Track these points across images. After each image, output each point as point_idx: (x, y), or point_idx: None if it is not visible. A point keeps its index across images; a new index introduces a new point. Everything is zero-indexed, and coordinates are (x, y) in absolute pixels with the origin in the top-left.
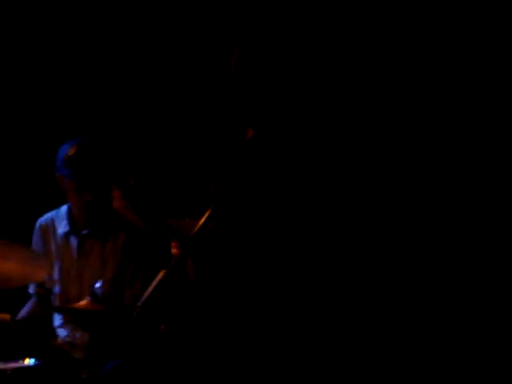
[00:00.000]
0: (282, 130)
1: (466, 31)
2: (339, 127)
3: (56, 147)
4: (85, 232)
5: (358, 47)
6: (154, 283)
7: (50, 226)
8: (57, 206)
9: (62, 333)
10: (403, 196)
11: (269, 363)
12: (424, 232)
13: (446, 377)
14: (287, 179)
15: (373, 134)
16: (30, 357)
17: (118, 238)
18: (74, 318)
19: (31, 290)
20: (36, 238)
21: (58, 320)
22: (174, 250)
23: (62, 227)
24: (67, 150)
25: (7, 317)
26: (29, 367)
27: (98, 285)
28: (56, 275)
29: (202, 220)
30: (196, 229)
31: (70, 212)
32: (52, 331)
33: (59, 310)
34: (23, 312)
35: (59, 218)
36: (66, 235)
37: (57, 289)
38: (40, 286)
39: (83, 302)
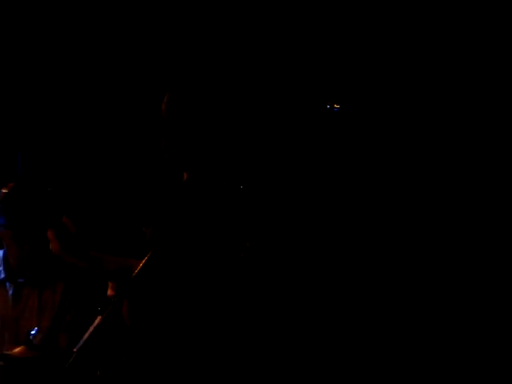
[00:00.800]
0: (215, 169)
1: (466, 31)
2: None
3: None
4: (21, 280)
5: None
6: (91, 329)
7: None
8: None
9: None
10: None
11: None
12: (418, 235)
13: (446, 377)
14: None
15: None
16: None
17: (57, 286)
18: (8, 364)
19: None
20: None
21: None
22: (109, 292)
23: None
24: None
25: None
26: None
27: (33, 332)
28: None
29: (142, 262)
30: (136, 271)
31: (5, 258)
32: None
33: None
34: None
35: None
36: (2, 282)
37: None
38: None
39: (18, 349)
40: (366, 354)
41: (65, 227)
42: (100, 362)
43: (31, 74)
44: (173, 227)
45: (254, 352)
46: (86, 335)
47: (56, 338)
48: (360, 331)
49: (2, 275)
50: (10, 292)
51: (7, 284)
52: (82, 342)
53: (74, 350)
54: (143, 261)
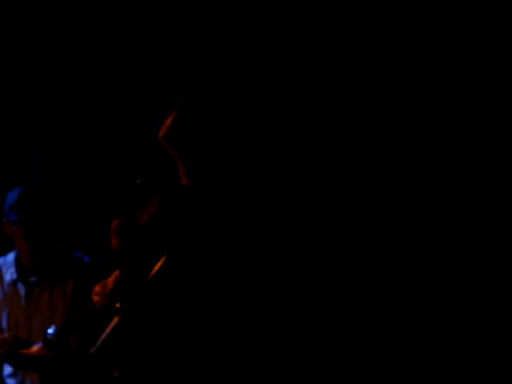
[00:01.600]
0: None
1: (466, 31)
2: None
3: (5, 193)
4: (33, 279)
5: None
6: (108, 329)
7: None
8: (3, 252)
9: (11, 383)
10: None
11: None
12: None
13: (446, 377)
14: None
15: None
16: None
17: (67, 284)
18: (27, 364)
19: None
20: None
21: (7, 369)
22: (95, 298)
23: (9, 275)
24: (15, 196)
25: None
26: None
27: (50, 330)
28: (4, 323)
29: (158, 266)
30: (152, 274)
31: (17, 259)
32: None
33: (11, 358)
34: None
35: (6, 266)
36: (14, 283)
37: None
38: None
39: (35, 348)
40: (366, 353)
41: (131, 222)
42: (118, 362)
43: (48, 78)
44: (185, 231)
45: (259, 352)
46: (104, 335)
47: (67, 338)
48: (360, 331)
49: (15, 276)
50: (23, 292)
51: (19, 284)
52: (99, 343)
53: (92, 350)
54: (158, 264)
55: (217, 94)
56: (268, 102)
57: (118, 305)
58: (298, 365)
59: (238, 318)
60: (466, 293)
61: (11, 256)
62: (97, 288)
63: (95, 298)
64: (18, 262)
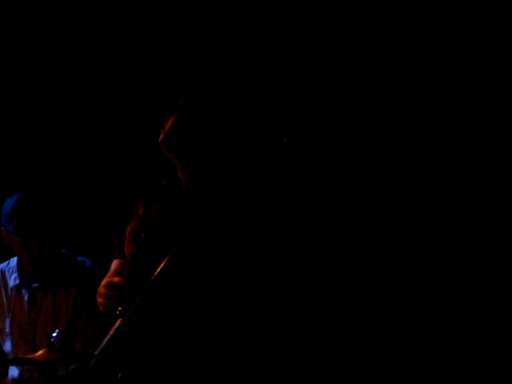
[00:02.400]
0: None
1: (466, 31)
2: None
3: (1, 201)
4: (35, 285)
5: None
6: (112, 331)
7: (1, 280)
8: (6, 258)
9: None
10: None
11: None
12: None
13: (446, 377)
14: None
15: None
16: None
17: (70, 289)
18: (32, 368)
19: None
20: None
21: (14, 373)
22: (100, 300)
23: (12, 280)
24: (10, 206)
25: None
26: None
27: (54, 334)
28: (8, 328)
29: (163, 263)
30: (157, 271)
31: (20, 265)
32: None
33: (17, 362)
34: None
35: (9, 271)
36: (17, 288)
37: (8, 342)
38: None
39: (40, 353)
40: (366, 353)
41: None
42: (121, 364)
43: (50, 83)
44: (187, 233)
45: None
46: (107, 338)
47: (72, 342)
48: (360, 331)
49: (18, 281)
50: (26, 297)
51: (22, 290)
52: (103, 345)
53: (96, 352)
54: (163, 262)
55: (216, 98)
56: (267, 106)
57: (121, 307)
58: (298, 365)
59: (240, 319)
60: (466, 293)
61: (14, 261)
62: (101, 289)
63: (100, 300)
64: (20, 268)
